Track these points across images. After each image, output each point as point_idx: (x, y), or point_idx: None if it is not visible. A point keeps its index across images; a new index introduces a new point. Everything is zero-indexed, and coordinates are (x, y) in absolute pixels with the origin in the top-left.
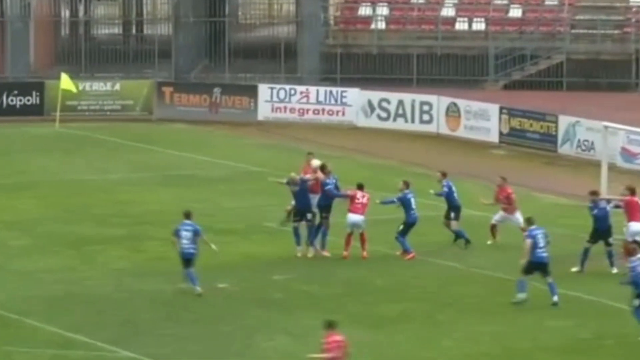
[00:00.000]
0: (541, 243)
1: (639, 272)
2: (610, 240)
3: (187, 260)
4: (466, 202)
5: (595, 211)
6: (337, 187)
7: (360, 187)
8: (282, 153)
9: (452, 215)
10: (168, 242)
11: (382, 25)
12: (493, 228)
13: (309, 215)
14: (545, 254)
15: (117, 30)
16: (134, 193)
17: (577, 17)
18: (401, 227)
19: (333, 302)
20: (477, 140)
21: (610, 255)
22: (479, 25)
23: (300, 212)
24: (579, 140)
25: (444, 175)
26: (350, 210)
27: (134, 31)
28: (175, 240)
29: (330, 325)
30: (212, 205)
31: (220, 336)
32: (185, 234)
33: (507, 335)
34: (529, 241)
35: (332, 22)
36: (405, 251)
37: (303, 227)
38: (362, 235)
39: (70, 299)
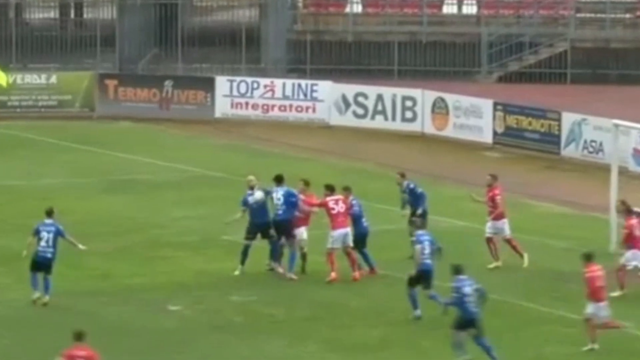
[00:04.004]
0: (427, 250)
1: (465, 293)
2: None
3: (42, 264)
4: (452, 212)
5: None
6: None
7: (330, 189)
8: (243, 155)
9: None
10: (111, 258)
11: (358, 8)
12: (489, 242)
13: (271, 231)
14: (429, 261)
15: (53, 14)
16: (72, 201)
17: None
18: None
19: (301, 326)
20: (468, 140)
21: None
22: (470, 8)
23: (255, 229)
24: (585, 141)
25: (403, 176)
26: (334, 227)
27: (72, 15)
28: (31, 241)
29: (77, 337)
30: (162, 215)
31: None
32: (45, 235)
33: None
34: (418, 247)
35: (300, 4)
36: (371, 267)
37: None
38: (349, 253)
39: None
